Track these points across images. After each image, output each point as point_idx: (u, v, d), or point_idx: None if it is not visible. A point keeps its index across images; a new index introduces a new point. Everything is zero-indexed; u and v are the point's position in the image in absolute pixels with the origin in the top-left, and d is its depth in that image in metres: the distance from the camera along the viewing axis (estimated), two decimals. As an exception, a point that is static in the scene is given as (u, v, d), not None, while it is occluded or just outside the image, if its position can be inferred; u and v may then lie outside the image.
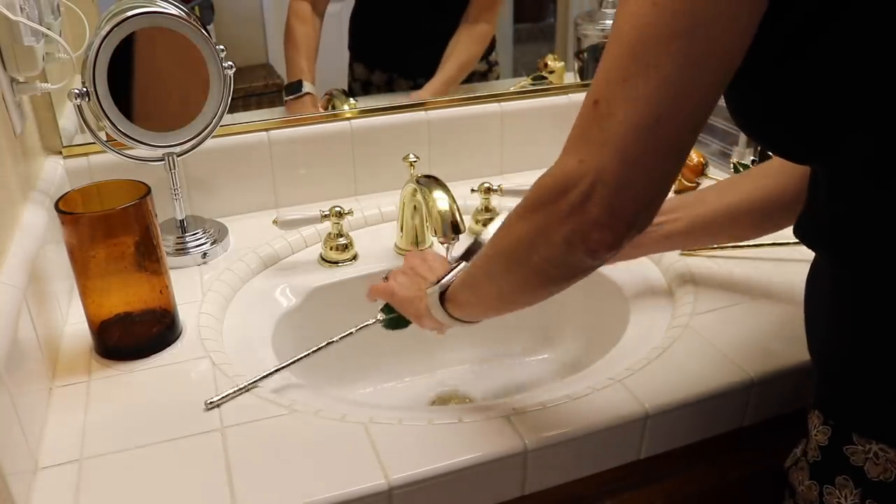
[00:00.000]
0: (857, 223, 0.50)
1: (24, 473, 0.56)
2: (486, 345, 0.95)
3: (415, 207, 0.90)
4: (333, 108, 1.06)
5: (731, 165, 1.04)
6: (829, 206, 0.52)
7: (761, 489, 0.79)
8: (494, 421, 0.62)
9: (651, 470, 0.68)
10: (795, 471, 0.58)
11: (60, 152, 0.90)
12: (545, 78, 1.15)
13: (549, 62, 1.15)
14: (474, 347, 0.94)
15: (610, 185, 0.46)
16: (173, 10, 0.79)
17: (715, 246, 0.88)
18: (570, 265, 0.51)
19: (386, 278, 0.75)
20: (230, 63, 0.84)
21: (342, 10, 1.08)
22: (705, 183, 1.01)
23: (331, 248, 0.90)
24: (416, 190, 0.86)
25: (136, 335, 0.72)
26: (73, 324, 0.76)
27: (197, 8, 0.95)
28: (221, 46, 0.83)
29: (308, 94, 1.03)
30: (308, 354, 0.72)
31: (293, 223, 0.89)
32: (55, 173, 0.86)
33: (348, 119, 1.02)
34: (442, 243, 0.80)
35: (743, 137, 1.10)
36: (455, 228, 0.77)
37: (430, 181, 0.81)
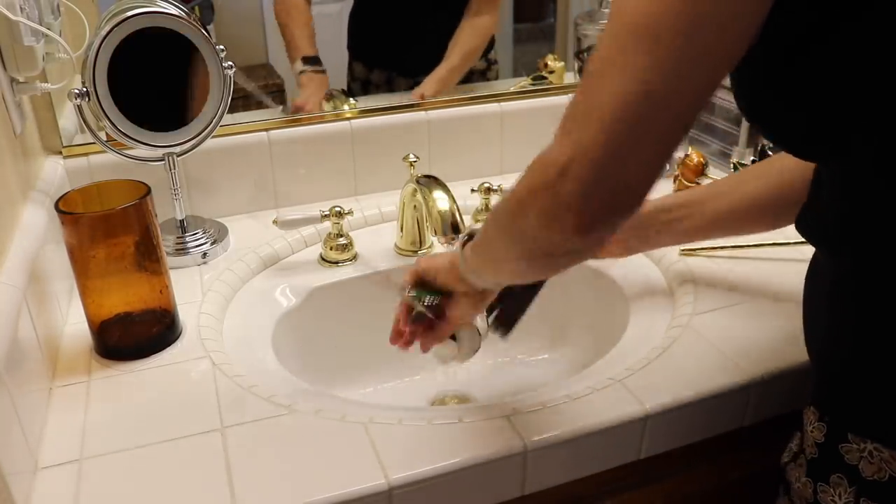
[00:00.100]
0: (864, 222, 0.50)
1: (24, 473, 0.56)
2: (486, 345, 0.95)
3: (415, 207, 0.90)
4: (334, 108, 1.06)
5: (731, 165, 1.04)
6: (834, 203, 0.51)
7: (761, 489, 0.79)
8: (494, 421, 0.62)
9: (651, 470, 0.68)
10: (793, 467, 0.58)
11: (60, 152, 0.90)
12: (545, 78, 1.15)
13: (549, 62, 1.15)
14: (474, 347, 0.94)
15: (586, 163, 0.42)
16: (173, 10, 0.79)
17: (715, 246, 0.88)
18: (547, 244, 0.47)
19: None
20: (230, 63, 0.84)
21: (342, 10, 1.08)
22: (705, 183, 1.01)
23: (331, 248, 0.90)
24: (416, 190, 0.86)
25: (136, 335, 0.72)
26: (73, 324, 0.76)
27: (197, 8, 0.95)
28: (221, 46, 0.83)
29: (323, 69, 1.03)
30: None
31: (293, 223, 0.89)
32: (55, 173, 0.86)
33: (348, 119, 1.02)
34: (442, 243, 0.80)
35: (743, 137, 1.10)
36: (455, 228, 0.77)
37: (430, 181, 0.81)
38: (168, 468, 0.58)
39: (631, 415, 0.63)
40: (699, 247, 0.88)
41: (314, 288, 0.86)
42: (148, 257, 0.70)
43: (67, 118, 0.90)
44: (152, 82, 0.82)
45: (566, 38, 1.19)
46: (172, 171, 0.87)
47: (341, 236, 0.90)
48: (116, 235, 0.68)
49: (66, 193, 0.70)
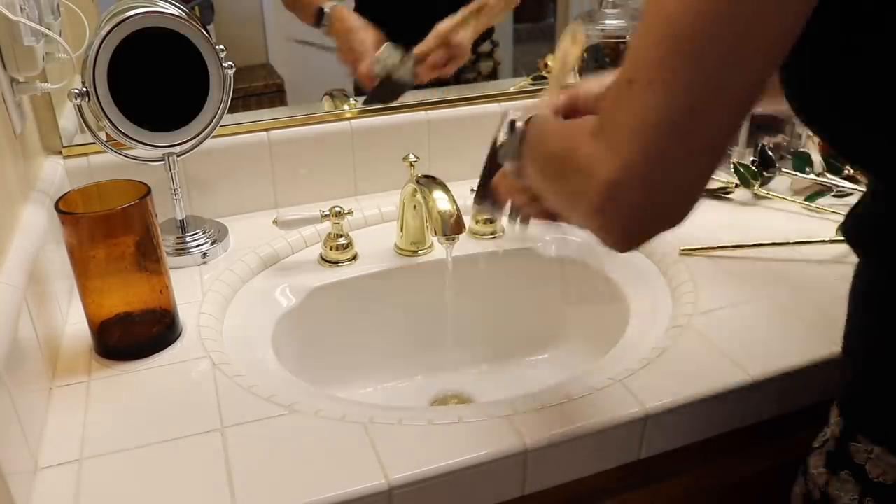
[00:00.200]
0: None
1: (24, 473, 0.56)
2: (487, 345, 0.96)
3: (415, 207, 0.90)
4: (334, 108, 1.06)
5: (731, 165, 1.04)
6: (877, 208, 0.51)
7: (761, 489, 0.79)
8: (494, 421, 0.62)
9: (651, 470, 0.68)
10: (818, 454, 0.58)
11: (60, 152, 0.90)
12: (545, 78, 1.15)
13: (549, 62, 1.15)
14: (474, 347, 0.94)
15: (636, 186, 0.43)
16: (173, 10, 0.79)
17: (715, 246, 0.88)
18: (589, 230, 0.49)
19: None
20: (230, 63, 0.84)
21: (342, 10, 1.08)
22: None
23: (331, 248, 0.90)
24: (416, 190, 0.86)
25: (136, 335, 0.72)
26: (73, 324, 0.76)
27: (197, 8, 0.95)
28: (221, 46, 0.83)
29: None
30: None
31: (293, 223, 0.89)
32: (55, 173, 0.86)
33: (348, 119, 1.02)
34: (442, 243, 0.80)
35: (743, 137, 1.10)
36: (455, 228, 0.77)
37: (430, 181, 0.81)
38: (168, 468, 0.58)
39: (631, 415, 0.63)
40: (699, 247, 0.88)
41: (314, 288, 0.86)
42: (148, 257, 0.70)
43: (67, 118, 0.90)
44: (152, 82, 0.82)
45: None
46: (172, 171, 0.87)
47: (341, 236, 0.90)
48: (116, 235, 0.68)
49: (66, 193, 0.70)
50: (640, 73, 0.42)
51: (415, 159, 0.89)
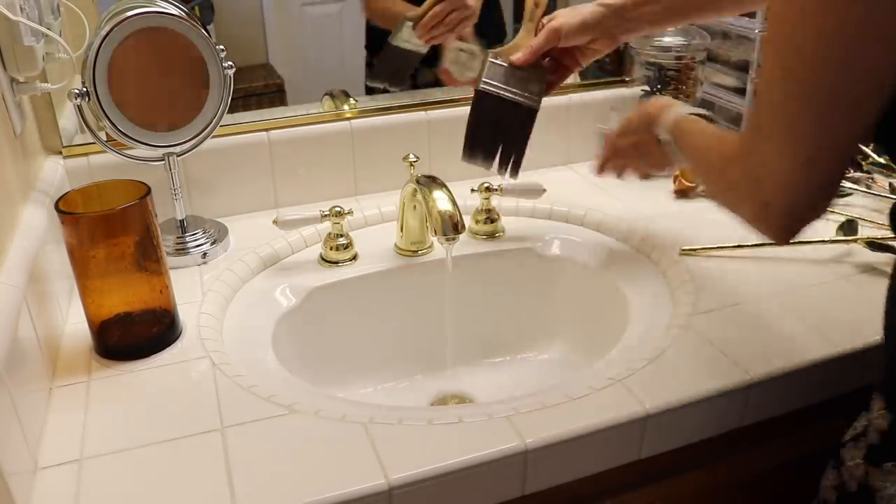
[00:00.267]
0: None
1: (24, 473, 0.56)
2: (487, 344, 0.96)
3: (415, 207, 0.90)
4: (334, 108, 1.06)
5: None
6: None
7: (762, 488, 0.79)
8: (494, 421, 0.62)
9: (651, 470, 0.68)
10: (851, 447, 0.59)
11: (60, 152, 0.90)
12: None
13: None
14: (474, 347, 0.94)
15: (782, 209, 0.53)
16: (173, 10, 0.79)
17: (715, 246, 0.88)
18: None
19: None
20: (230, 63, 0.84)
21: (341, 10, 1.08)
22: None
23: (331, 248, 0.90)
24: (416, 190, 0.86)
25: (136, 335, 0.72)
26: (73, 324, 0.76)
27: (197, 8, 0.95)
28: (221, 46, 0.83)
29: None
30: None
31: (293, 223, 0.89)
32: (55, 173, 0.86)
33: (348, 119, 1.02)
34: (442, 243, 0.80)
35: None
36: (455, 228, 0.77)
37: (430, 181, 0.81)
38: (168, 468, 0.58)
39: (631, 415, 0.63)
40: (699, 247, 0.88)
41: (314, 288, 0.86)
42: (148, 257, 0.70)
43: (67, 118, 0.90)
44: (152, 82, 0.82)
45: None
46: (172, 171, 0.87)
47: (341, 236, 0.90)
48: (116, 235, 0.68)
49: (66, 193, 0.70)
50: (767, 122, 0.52)
51: (415, 159, 0.89)
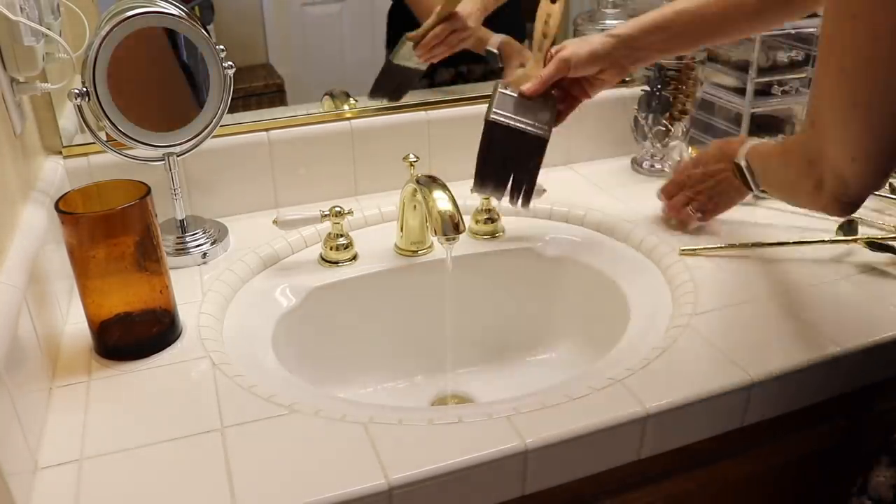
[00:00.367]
0: None
1: (24, 473, 0.56)
2: (486, 344, 0.96)
3: (415, 207, 0.90)
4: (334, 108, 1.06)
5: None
6: None
7: (762, 488, 0.79)
8: (494, 421, 0.62)
9: (651, 470, 0.68)
10: None
11: (60, 152, 0.90)
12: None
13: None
14: (474, 347, 0.94)
15: (845, 201, 0.61)
16: (173, 10, 0.79)
17: (715, 246, 0.88)
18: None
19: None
20: (230, 63, 0.84)
21: (341, 10, 1.08)
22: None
23: (331, 248, 0.90)
24: (416, 190, 0.86)
25: (136, 335, 0.72)
26: (73, 324, 0.76)
27: (197, 8, 0.95)
28: (221, 46, 0.83)
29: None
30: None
31: (293, 223, 0.89)
32: (55, 173, 0.86)
33: (348, 119, 1.02)
34: (442, 243, 0.80)
35: (742, 137, 1.10)
36: (455, 228, 0.77)
37: (430, 181, 0.81)
38: (168, 468, 0.58)
39: (631, 415, 0.63)
40: (699, 247, 0.88)
41: (314, 288, 0.86)
42: (148, 257, 0.70)
43: (67, 118, 0.90)
44: (152, 82, 0.82)
45: (566, 38, 1.18)
46: (172, 171, 0.87)
47: (341, 236, 0.90)
48: (116, 235, 0.68)
49: (66, 193, 0.70)
50: (819, 120, 0.59)
51: (415, 159, 0.89)
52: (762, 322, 0.75)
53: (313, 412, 0.63)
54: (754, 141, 0.83)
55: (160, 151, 0.85)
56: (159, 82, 0.84)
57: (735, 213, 0.96)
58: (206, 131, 0.85)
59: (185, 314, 0.77)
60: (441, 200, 0.78)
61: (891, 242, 0.85)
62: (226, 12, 1.00)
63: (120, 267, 0.69)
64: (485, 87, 1.12)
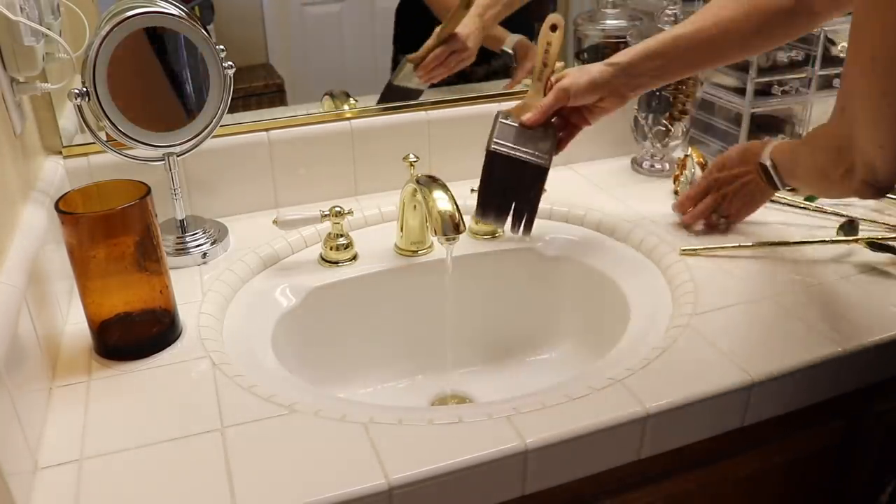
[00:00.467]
0: None
1: (24, 473, 0.56)
2: (487, 344, 0.96)
3: (415, 207, 0.90)
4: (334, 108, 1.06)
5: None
6: None
7: (762, 488, 0.79)
8: (494, 421, 0.62)
9: (651, 470, 0.68)
10: None
11: (60, 152, 0.90)
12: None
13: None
14: (474, 347, 0.94)
15: (874, 186, 0.64)
16: (173, 10, 0.79)
17: (715, 246, 0.88)
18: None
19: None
20: (230, 63, 0.84)
21: (342, 10, 1.08)
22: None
23: (331, 248, 0.90)
24: (416, 190, 0.86)
25: (136, 335, 0.72)
26: (73, 324, 0.76)
27: (197, 8, 0.95)
28: (221, 46, 0.83)
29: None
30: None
31: (293, 223, 0.89)
32: (55, 173, 0.86)
33: (348, 119, 1.02)
34: (442, 243, 0.80)
35: (742, 137, 1.10)
36: (455, 228, 0.77)
37: (430, 181, 0.81)
38: (168, 468, 0.58)
39: (631, 415, 0.63)
40: (699, 247, 0.88)
41: (314, 288, 0.86)
42: (148, 257, 0.70)
43: (67, 118, 0.90)
44: (152, 82, 0.82)
45: (566, 38, 1.18)
46: (172, 171, 0.87)
47: (341, 236, 0.90)
48: (116, 235, 0.68)
49: (66, 193, 0.70)
50: (849, 105, 0.62)
51: (415, 159, 0.89)
52: (762, 322, 0.75)
53: (313, 412, 0.63)
54: (776, 141, 0.84)
55: (160, 151, 0.85)
56: (159, 82, 0.84)
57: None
58: (206, 131, 0.85)
59: (185, 314, 0.77)
60: (441, 200, 0.78)
61: (891, 242, 0.85)
62: (226, 12, 1.00)
63: (120, 267, 0.69)
64: (486, 88, 1.13)
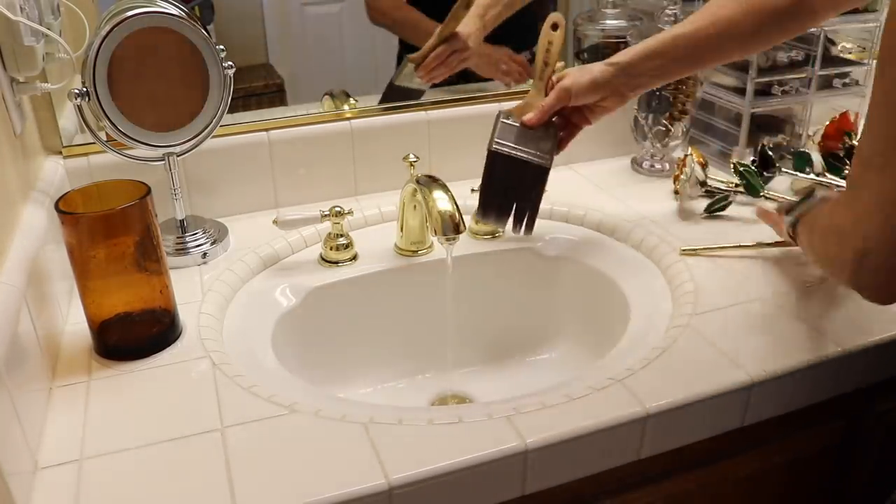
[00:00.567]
0: None
1: (24, 473, 0.56)
2: (487, 344, 0.96)
3: (415, 207, 0.90)
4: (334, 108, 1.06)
5: (731, 165, 1.04)
6: None
7: (762, 488, 0.79)
8: (494, 421, 0.62)
9: (651, 470, 0.68)
10: None
11: (60, 152, 0.90)
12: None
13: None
14: (474, 347, 0.94)
15: (881, 256, 0.54)
16: (173, 10, 0.79)
17: (715, 246, 0.88)
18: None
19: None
20: (230, 63, 0.84)
21: (342, 10, 1.08)
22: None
23: (331, 248, 0.90)
24: (416, 190, 0.86)
25: (136, 335, 0.72)
26: (73, 324, 0.76)
27: (197, 8, 0.95)
28: (221, 46, 0.83)
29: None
30: None
31: (293, 223, 0.89)
32: (55, 173, 0.86)
33: (348, 119, 1.02)
34: (442, 243, 0.80)
35: (743, 138, 1.10)
36: (455, 228, 0.77)
37: (430, 181, 0.81)
38: (168, 468, 0.58)
39: (631, 415, 0.63)
40: (699, 247, 0.88)
41: (314, 288, 0.86)
42: (148, 257, 0.70)
43: (67, 118, 0.90)
44: (152, 82, 0.82)
45: (566, 38, 1.18)
46: (172, 171, 0.87)
47: (341, 236, 0.90)
48: (116, 235, 0.68)
49: (66, 193, 0.70)
50: (874, 159, 0.54)
51: (415, 159, 0.89)
52: (762, 322, 0.75)
53: (313, 412, 0.63)
54: (822, 192, 0.79)
55: (160, 151, 0.85)
56: (159, 82, 0.83)
57: (735, 213, 0.96)
58: (206, 131, 0.85)
59: (185, 314, 0.77)
60: (441, 200, 0.78)
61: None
62: (226, 12, 1.00)
63: (120, 267, 0.69)
64: (485, 87, 1.13)
